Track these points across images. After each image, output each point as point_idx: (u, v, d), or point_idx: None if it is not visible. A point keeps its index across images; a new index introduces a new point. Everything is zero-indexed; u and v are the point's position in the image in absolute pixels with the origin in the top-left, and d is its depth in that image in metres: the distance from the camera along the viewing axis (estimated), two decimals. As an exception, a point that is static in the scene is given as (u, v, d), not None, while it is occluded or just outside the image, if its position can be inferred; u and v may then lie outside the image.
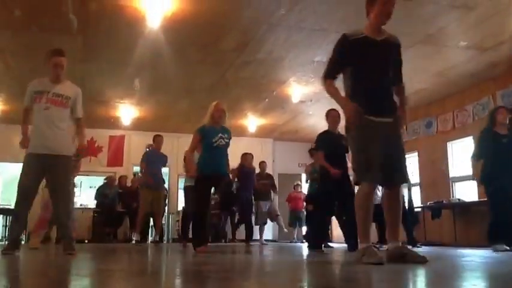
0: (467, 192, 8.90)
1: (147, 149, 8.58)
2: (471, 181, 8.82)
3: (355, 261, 3.16)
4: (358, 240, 3.22)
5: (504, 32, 6.82)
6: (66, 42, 7.13)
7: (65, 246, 4.69)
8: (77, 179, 11.83)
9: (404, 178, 3.32)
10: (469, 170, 8.96)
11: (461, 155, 9.46)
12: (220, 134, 5.33)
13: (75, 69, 8.16)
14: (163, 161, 8.44)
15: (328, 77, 3.42)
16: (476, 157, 5.92)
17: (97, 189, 11.31)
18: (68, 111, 4.84)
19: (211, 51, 7.47)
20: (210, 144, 5.28)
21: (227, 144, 5.40)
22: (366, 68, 3.31)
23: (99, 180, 11.89)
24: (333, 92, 3.35)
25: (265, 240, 10.36)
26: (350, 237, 5.61)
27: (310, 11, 6.20)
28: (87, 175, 13.47)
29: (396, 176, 3.26)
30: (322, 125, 12.11)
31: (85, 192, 14.48)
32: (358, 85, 3.33)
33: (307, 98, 9.77)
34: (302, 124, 12.11)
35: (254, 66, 8.06)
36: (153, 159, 8.24)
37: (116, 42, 7.14)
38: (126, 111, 10.82)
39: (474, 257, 4.44)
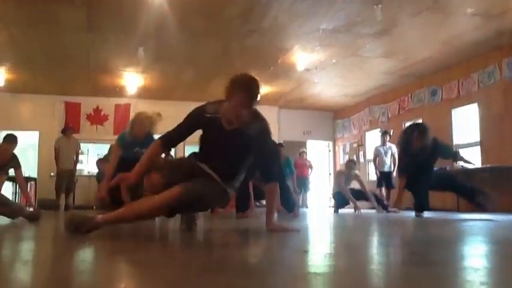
0: (471, 158, 8.93)
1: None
2: (474, 148, 8.95)
3: None
4: None
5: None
6: (70, 12, 7.12)
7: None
8: (84, 147, 11.98)
9: None
10: (472, 137, 9.07)
11: (465, 122, 9.49)
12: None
13: (80, 39, 8.18)
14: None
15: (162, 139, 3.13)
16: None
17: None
18: None
19: (215, 20, 7.42)
20: None
21: None
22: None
23: (106, 149, 11.99)
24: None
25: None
26: None
27: (315, -22, 6.14)
28: (94, 143, 13.60)
29: None
30: (327, 93, 12.24)
31: (92, 160, 14.67)
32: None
33: (313, 66, 9.74)
34: (307, 92, 12.11)
35: (259, 34, 8.01)
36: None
37: (120, 11, 7.10)
38: (131, 80, 10.83)
39: (476, 222, 4.54)
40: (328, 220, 5.53)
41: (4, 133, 6.58)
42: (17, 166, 6.26)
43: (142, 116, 4.86)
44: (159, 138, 3.12)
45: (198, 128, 3.08)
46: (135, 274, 1.49)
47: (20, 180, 6.49)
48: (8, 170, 6.57)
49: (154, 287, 1.23)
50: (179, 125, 3.10)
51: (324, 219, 5.71)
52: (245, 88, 2.89)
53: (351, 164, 8.78)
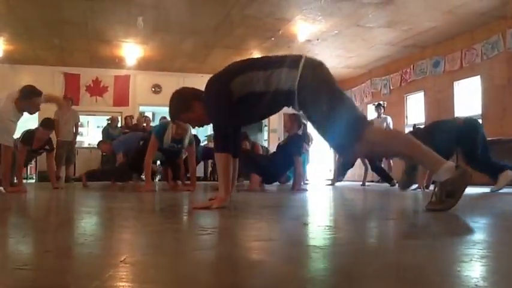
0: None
1: None
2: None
3: None
4: None
5: (518, -32, 6.60)
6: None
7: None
8: (84, 119, 11.97)
9: None
10: (474, 110, 9.02)
11: (467, 94, 9.43)
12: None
13: (78, 8, 8.05)
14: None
15: None
16: None
17: (102, 131, 11.39)
18: None
19: (215, -12, 7.30)
20: None
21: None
22: None
23: (105, 121, 11.98)
24: None
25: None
26: None
27: None
28: (93, 115, 13.58)
29: None
30: (329, 65, 12.02)
31: (92, 132, 14.68)
32: None
33: (314, 36, 9.62)
34: (308, 63, 11.98)
35: (259, 3, 7.88)
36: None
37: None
38: (131, 51, 10.72)
39: (477, 195, 4.55)
40: (329, 194, 5.56)
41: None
42: (51, 150, 6.36)
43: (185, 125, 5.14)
44: None
45: None
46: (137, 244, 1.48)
47: (51, 164, 6.55)
48: (40, 153, 6.63)
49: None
50: None
51: (325, 193, 5.73)
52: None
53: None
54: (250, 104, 2.72)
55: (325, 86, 2.61)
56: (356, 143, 2.51)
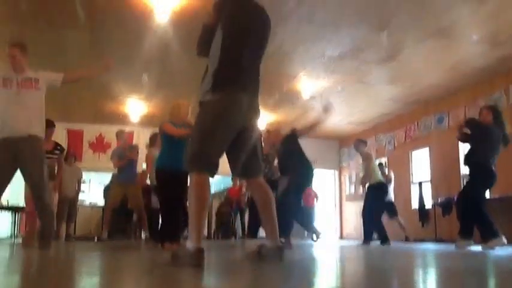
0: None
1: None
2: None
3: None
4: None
5: (517, 26, 6.69)
6: (74, 37, 7.11)
7: (40, 242, 4.67)
8: (86, 176, 11.86)
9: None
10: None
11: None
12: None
13: (83, 63, 8.13)
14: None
15: None
16: None
17: (104, 189, 11.25)
18: (39, 93, 4.73)
19: (220, 46, 7.39)
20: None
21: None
22: None
23: (109, 177, 11.85)
24: None
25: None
26: None
27: (320, 4, 6.11)
28: (96, 172, 13.48)
29: None
30: (333, 121, 12.12)
31: (94, 189, 14.51)
32: None
33: (318, 93, 9.67)
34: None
35: (264, 60, 7.94)
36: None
37: (123, 37, 7.09)
38: (135, 107, 10.79)
39: (483, 253, 4.36)
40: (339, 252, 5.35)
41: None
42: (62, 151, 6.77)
43: None
44: None
45: None
46: None
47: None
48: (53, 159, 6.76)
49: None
50: None
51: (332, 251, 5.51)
52: None
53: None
54: None
55: None
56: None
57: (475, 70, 8.35)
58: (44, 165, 4.57)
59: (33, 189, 4.55)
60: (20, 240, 5.88)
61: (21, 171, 4.58)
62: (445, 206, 9.16)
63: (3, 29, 6.83)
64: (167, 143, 5.33)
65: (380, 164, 10.49)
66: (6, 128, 4.49)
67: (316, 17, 6.50)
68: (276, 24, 6.60)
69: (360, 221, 8.69)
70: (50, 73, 4.93)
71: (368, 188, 8.03)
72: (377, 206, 7.84)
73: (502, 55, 7.66)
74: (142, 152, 13.10)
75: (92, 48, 7.48)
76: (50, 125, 6.13)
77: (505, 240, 5.43)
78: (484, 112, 6.00)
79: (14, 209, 9.79)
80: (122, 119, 11.46)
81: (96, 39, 7.21)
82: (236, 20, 2.92)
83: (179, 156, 4.66)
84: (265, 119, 11.58)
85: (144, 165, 10.68)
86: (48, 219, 4.64)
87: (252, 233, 7.12)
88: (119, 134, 8.63)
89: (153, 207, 7.89)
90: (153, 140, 7.51)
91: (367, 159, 8.07)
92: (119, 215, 10.26)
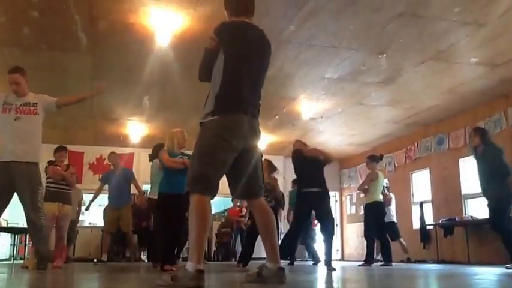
0: (480, 209, 8.74)
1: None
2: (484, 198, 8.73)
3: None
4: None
5: (515, 49, 6.75)
6: (76, 60, 7.17)
7: (38, 264, 4.76)
8: (86, 197, 11.80)
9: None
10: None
11: (473, 171, 9.31)
12: (180, 157, 5.52)
13: (85, 87, 8.17)
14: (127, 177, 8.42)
15: None
16: None
17: (103, 210, 11.20)
18: (37, 118, 4.92)
19: (220, 68, 7.44)
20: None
21: None
22: None
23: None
24: None
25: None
26: None
27: (320, 27, 6.17)
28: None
29: None
30: (333, 143, 12.15)
31: (94, 211, 14.41)
32: None
33: (318, 115, 9.72)
34: (313, 141, 11.97)
35: (264, 83, 8.00)
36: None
37: (125, 60, 7.15)
38: (135, 129, 10.81)
39: (487, 275, 4.32)
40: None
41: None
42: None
43: None
44: None
45: None
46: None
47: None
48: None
49: None
50: None
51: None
52: None
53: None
54: None
55: None
56: None
57: (474, 92, 8.39)
58: (38, 189, 4.73)
59: (26, 212, 4.68)
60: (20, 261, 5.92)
61: (17, 194, 4.71)
62: (446, 227, 9.13)
63: (6, 53, 6.90)
64: (166, 169, 5.52)
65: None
66: (5, 152, 4.59)
67: (316, 41, 6.56)
68: (277, 48, 6.72)
69: (360, 241, 8.68)
70: (47, 96, 5.13)
71: (364, 206, 8.27)
72: (371, 224, 7.89)
73: (501, 77, 7.70)
74: (142, 174, 13.15)
75: (93, 71, 7.54)
76: (61, 149, 6.38)
77: None
78: (472, 135, 6.38)
79: (13, 230, 9.76)
80: (122, 140, 11.48)
81: (98, 62, 7.27)
82: (237, 44, 2.96)
83: (179, 181, 4.75)
84: (265, 140, 11.60)
85: (145, 186, 10.72)
86: (42, 242, 4.75)
87: (243, 260, 6.82)
88: (111, 157, 8.64)
89: (153, 229, 7.85)
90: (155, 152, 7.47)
91: (370, 175, 8.13)
92: (117, 238, 10.22)
